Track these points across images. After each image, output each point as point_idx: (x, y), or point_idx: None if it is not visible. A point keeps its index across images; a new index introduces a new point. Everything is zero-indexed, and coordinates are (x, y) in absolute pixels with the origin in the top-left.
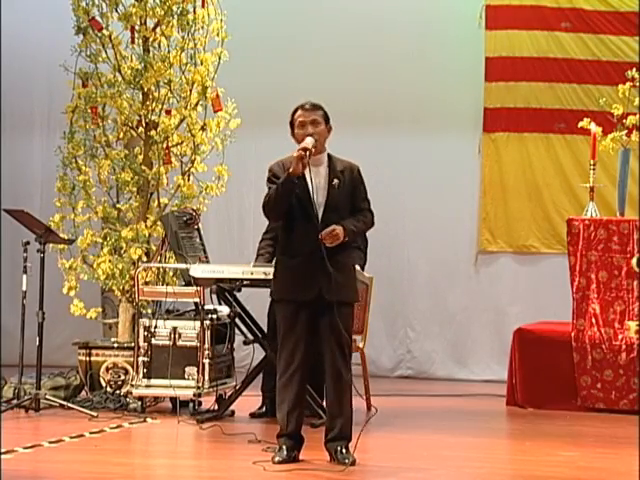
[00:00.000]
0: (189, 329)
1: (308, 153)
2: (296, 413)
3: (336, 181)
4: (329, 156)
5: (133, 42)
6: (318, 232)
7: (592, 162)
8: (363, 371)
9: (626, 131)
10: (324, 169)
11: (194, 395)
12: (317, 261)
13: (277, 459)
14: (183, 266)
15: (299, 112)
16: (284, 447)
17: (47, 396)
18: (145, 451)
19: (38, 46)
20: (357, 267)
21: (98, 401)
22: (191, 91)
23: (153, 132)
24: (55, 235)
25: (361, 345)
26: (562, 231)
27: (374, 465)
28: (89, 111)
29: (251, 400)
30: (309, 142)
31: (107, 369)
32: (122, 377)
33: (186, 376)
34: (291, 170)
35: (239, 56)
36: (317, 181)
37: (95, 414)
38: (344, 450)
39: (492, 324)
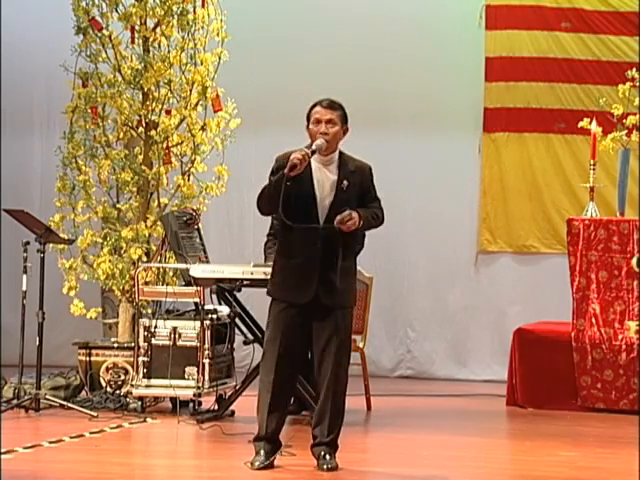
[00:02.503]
0: (189, 329)
1: (306, 158)
2: (275, 416)
3: (345, 183)
4: (341, 155)
5: (133, 42)
6: (319, 234)
7: (592, 162)
8: (363, 371)
9: (626, 131)
10: (334, 169)
11: (194, 395)
12: (316, 264)
13: (257, 464)
14: (183, 266)
15: (317, 108)
16: (262, 451)
17: (47, 396)
18: (145, 451)
19: (38, 46)
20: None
21: (98, 401)
22: (191, 91)
23: (153, 132)
24: (55, 235)
25: (361, 345)
26: (562, 231)
27: (374, 465)
28: (89, 111)
29: (251, 400)
30: (314, 146)
31: (107, 369)
32: (122, 377)
33: (186, 376)
34: (285, 171)
35: (239, 56)
36: (325, 182)
37: (95, 414)
38: (327, 456)
39: (492, 324)
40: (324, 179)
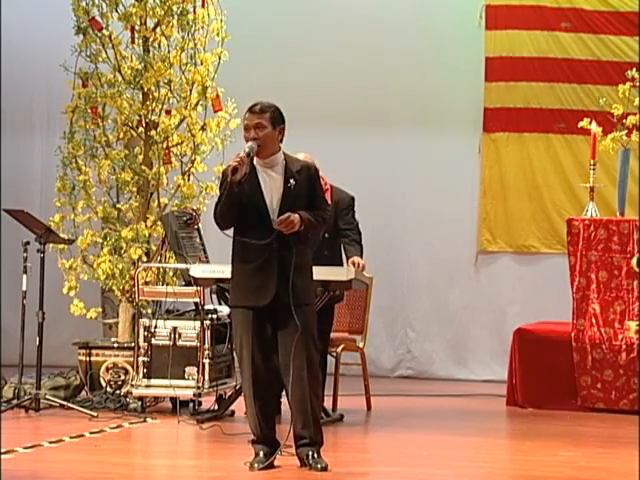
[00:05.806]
0: (189, 329)
1: (243, 160)
2: (267, 419)
3: (292, 182)
4: (285, 156)
5: (133, 42)
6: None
7: (592, 162)
8: (363, 371)
9: (626, 131)
10: (280, 170)
11: (194, 395)
12: (274, 264)
13: (257, 465)
14: (183, 266)
15: (246, 115)
16: (261, 453)
17: (47, 396)
18: (145, 451)
19: (38, 46)
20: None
21: (98, 401)
22: (191, 91)
23: (153, 132)
24: (55, 235)
25: (361, 345)
26: (562, 231)
27: (374, 465)
28: (89, 111)
29: None
30: (247, 149)
31: (107, 369)
32: (122, 377)
33: (186, 376)
34: (229, 179)
35: (239, 56)
36: (271, 183)
37: (95, 414)
38: (315, 455)
39: (492, 324)
40: (270, 180)
